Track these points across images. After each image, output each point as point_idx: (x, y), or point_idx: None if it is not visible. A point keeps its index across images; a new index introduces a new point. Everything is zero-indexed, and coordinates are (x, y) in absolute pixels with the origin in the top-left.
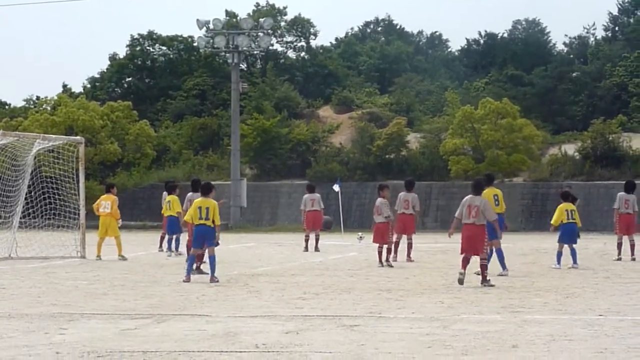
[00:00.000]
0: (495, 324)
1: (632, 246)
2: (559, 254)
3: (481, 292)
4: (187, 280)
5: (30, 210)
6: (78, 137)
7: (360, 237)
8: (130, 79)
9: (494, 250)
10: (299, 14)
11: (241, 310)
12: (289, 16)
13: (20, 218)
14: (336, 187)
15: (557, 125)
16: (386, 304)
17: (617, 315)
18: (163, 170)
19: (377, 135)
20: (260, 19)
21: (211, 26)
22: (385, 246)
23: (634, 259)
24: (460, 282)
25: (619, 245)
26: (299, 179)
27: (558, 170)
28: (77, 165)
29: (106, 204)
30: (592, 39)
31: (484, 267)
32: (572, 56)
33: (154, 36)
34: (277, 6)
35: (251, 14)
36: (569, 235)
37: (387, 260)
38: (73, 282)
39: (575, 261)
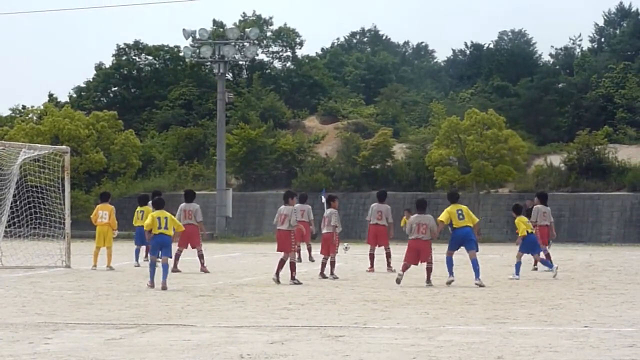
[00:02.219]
0: (480, 335)
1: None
2: (519, 265)
3: (466, 304)
4: (151, 285)
5: (16, 220)
6: (64, 147)
7: (346, 248)
8: (116, 88)
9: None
10: (285, 24)
11: (226, 321)
12: (275, 26)
13: (5, 227)
14: (323, 197)
15: (542, 136)
16: (371, 315)
17: (602, 326)
18: (149, 180)
19: (363, 145)
20: (247, 29)
21: (197, 36)
22: (331, 256)
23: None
24: (398, 282)
25: (548, 255)
26: (284, 189)
27: (543, 181)
28: (62, 174)
29: (103, 213)
30: (578, 50)
31: (429, 270)
32: (558, 67)
33: (140, 46)
34: (263, 16)
35: (237, 24)
36: (532, 245)
37: (332, 273)
38: (58, 292)
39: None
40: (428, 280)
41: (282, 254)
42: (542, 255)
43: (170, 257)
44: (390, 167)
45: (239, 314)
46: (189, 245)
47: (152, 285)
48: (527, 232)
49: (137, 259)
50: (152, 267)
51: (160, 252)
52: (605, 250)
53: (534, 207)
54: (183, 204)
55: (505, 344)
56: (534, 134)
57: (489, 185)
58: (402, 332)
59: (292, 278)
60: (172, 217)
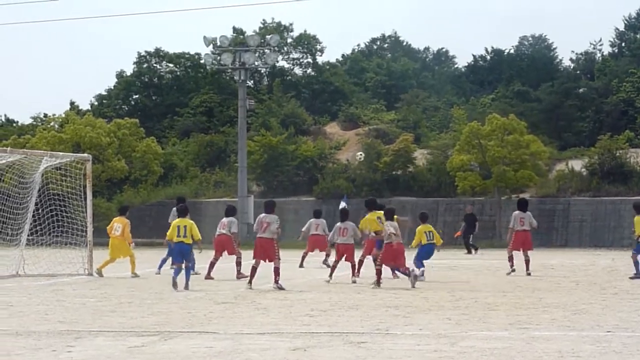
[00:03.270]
0: (502, 340)
1: (527, 262)
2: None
3: (488, 309)
4: (174, 286)
5: (38, 228)
6: (85, 155)
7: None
8: (137, 96)
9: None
10: (305, 31)
11: (248, 327)
12: (295, 33)
13: (28, 235)
14: (343, 204)
15: (563, 141)
16: (393, 321)
17: (625, 331)
18: (170, 188)
19: (384, 151)
20: (267, 36)
21: (218, 43)
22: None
23: (529, 274)
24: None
25: (511, 258)
26: (305, 195)
27: (565, 186)
28: (84, 182)
29: (118, 226)
30: (598, 54)
31: (379, 272)
32: (578, 72)
33: (161, 53)
34: (283, 23)
35: (257, 30)
36: (427, 254)
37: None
38: (80, 300)
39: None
40: (377, 282)
41: (254, 261)
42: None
43: (191, 262)
44: (412, 173)
45: (261, 321)
46: (225, 253)
47: (175, 285)
48: (422, 243)
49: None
50: (177, 272)
51: (182, 259)
52: (628, 255)
53: (514, 213)
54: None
55: (528, 349)
56: (555, 139)
57: (510, 191)
58: (424, 338)
59: (276, 282)
60: (193, 225)
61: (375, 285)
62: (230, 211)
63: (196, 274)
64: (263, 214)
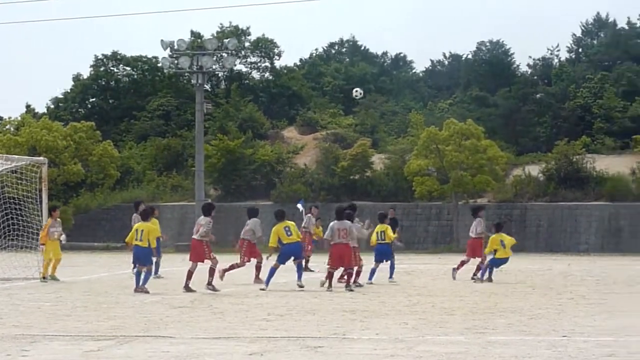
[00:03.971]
0: (459, 345)
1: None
2: (373, 271)
3: (445, 313)
4: (139, 291)
5: None
6: (41, 158)
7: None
8: (94, 99)
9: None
10: (263, 35)
11: (205, 332)
12: (253, 37)
13: None
14: (300, 206)
15: (521, 147)
16: (350, 325)
17: (581, 336)
18: (127, 191)
19: (342, 156)
20: (225, 40)
21: (175, 47)
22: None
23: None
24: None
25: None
26: (263, 199)
27: (522, 191)
28: (40, 186)
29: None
30: (555, 60)
31: (349, 275)
32: (536, 77)
33: (118, 56)
34: (240, 27)
35: (215, 34)
36: (380, 254)
37: (209, 284)
38: (35, 304)
39: (391, 275)
40: (347, 285)
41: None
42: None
43: (148, 265)
44: (369, 178)
45: (217, 325)
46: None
47: (143, 290)
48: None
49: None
50: (138, 275)
51: (140, 263)
52: (584, 260)
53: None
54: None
55: (484, 354)
56: (513, 144)
57: (468, 196)
58: (381, 343)
59: (209, 284)
60: (152, 229)
61: (328, 287)
62: (251, 213)
63: (159, 277)
64: (201, 217)
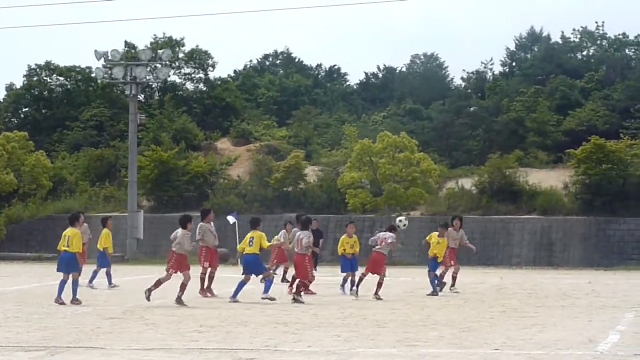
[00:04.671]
0: (391, 357)
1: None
2: (345, 281)
3: (377, 326)
4: (60, 302)
5: None
6: None
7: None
8: (26, 109)
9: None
10: (197, 46)
11: (137, 343)
12: (187, 48)
13: None
14: (231, 218)
15: (454, 160)
16: (282, 337)
17: (512, 349)
18: (59, 202)
19: (275, 168)
20: (159, 51)
21: (109, 57)
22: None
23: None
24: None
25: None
26: (196, 211)
27: (455, 204)
28: None
29: None
30: (489, 74)
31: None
32: (469, 91)
33: (52, 66)
34: (174, 38)
35: (149, 45)
36: (352, 264)
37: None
38: None
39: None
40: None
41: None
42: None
43: (74, 272)
44: (303, 190)
45: (149, 337)
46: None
47: (60, 301)
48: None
49: (109, 282)
50: (62, 284)
51: (65, 269)
52: (516, 273)
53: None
54: None
55: None
56: (446, 157)
57: (401, 208)
58: (314, 355)
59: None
60: (76, 234)
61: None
62: (254, 223)
63: (113, 286)
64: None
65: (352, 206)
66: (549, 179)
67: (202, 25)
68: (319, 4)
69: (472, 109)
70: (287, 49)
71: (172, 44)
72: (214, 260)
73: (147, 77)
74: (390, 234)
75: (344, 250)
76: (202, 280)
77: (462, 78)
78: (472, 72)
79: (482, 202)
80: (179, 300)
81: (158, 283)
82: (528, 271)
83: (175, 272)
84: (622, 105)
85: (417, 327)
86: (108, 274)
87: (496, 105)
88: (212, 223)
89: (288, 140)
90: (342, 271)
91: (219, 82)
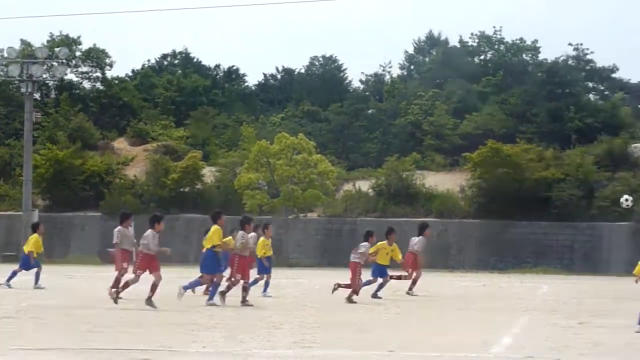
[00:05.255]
0: (286, 359)
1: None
2: (255, 282)
3: (273, 327)
4: None
5: None
6: None
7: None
8: None
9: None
10: (94, 45)
11: (30, 343)
12: (84, 46)
13: None
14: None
15: (352, 162)
16: (177, 338)
17: (407, 351)
18: None
19: (172, 168)
20: (56, 49)
21: (5, 54)
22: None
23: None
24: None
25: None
26: (92, 210)
27: (352, 206)
28: None
29: None
30: (388, 76)
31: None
32: (367, 93)
33: None
34: (71, 36)
35: (46, 43)
36: (268, 266)
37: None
38: None
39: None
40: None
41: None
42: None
43: None
44: (200, 190)
45: (42, 337)
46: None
47: None
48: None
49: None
50: None
51: None
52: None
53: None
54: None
55: None
56: (344, 159)
57: (298, 210)
58: (208, 356)
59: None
60: None
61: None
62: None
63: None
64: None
65: (249, 207)
66: (445, 182)
67: (100, 24)
68: (218, 4)
69: (370, 111)
70: (186, 49)
71: (69, 42)
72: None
73: (44, 75)
74: (365, 243)
75: (264, 253)
76: (118, 280)
77: (360, 80)
78: (371, 75)
79: (379, 204)
80: (149, 302)
81: (126, 285)
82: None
83: (143, 272)
84: (519, 109)
85: (313, 328)
86: (37, 275)
87: (394, 108)
88: (130, 228)
89: (185, 140)
90: (259, 274)
91: (117, 82)
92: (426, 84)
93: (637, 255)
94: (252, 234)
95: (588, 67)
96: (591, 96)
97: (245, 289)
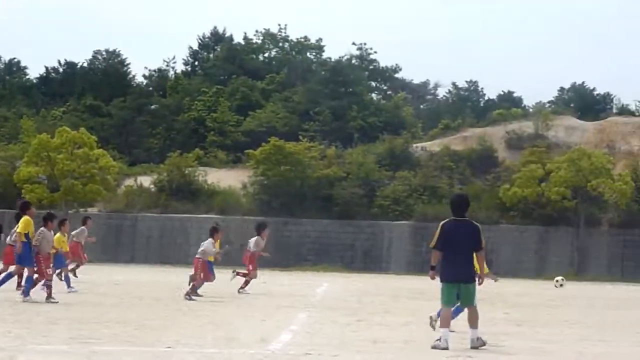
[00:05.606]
0: (62, 355)
1: None
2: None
3: (50, 323)
4: None
5: None
6: None
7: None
8: None
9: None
10: None
11: None
12: None
13: None
14: None
15: (134, 157)
16: None
17: (185, 347)
18: None
19: None
20: None
21: None
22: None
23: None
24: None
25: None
26: None
27: (133, 201)
28: None
29: None
30: (172, 72)
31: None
32: (151, 88)
33: None
34: None
35: None
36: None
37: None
38: None
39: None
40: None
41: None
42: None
43: None
44: None
45: None
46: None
47: None
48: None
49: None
50: None
51: None
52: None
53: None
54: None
55: None
56: (126, 155)
57: (79, 205)
58: None
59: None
60: None
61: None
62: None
63: None
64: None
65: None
66: (228, 178)
67: None
68: None
69: (153, 107)
70: None
71: None
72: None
73: None
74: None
75: (61, 248)
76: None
77: (144, 75)
78: (155, 70)
79: (161, 200)
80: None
81: None
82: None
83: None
84: (302, 107)
85: (91, 324)
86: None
87: (177, 104)
88: (52, 231)
89: None
90: (56, 268)
91: None
92: (210, 81)
93: (417, 255)
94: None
95: (371, 67)
96: (374, 95)
97: (49, 287)
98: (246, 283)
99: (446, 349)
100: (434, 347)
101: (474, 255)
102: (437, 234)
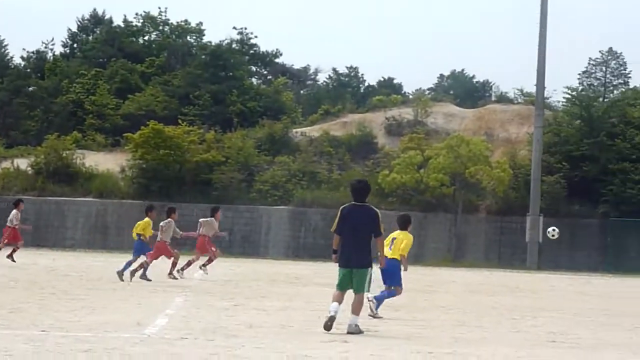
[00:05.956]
0: None
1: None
2: None
3: None
4: None
5: None
6: None
7: None
8: None
9: None
10: None
11: None
12: None
13: None
14: None
15: (11, 139)
16: None
17: (60, 331)
18: None
19: None
20: None
21: None
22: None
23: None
24: None
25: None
26: None
27: (10, 184)
28: None
29: None
30: (50, 54)
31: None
32: (29, 70)
33: None
34: None
35: None
36: None
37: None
38: None
39: None
40: None
41: None
42: None
43: None
44: None
45: None
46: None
47: None
48: None
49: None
50: None
51: None
52: (70, 255)
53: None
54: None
55: None
56: (3, 137)
57: None
58: None
59: None
60: None
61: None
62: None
63: None
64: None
65: None
66: (106, 162)
67: None
68: None
69: (31, 88)
70: None
71: None
72: None
73: None
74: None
75: None
76: None
77: (21, 57)
78: (33, 52)
79: (38, 183)
80: None
81: None
82: (81, 254)
83: None
84: (182, 91)
85: None
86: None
87: (56, 86)
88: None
89: None
90: None
91: None
92: (89, 63)
93: (295, 240)
94: None
95: (252, 52)
96: (254, 80)
97: None
98: (209, 261)
99: (332, 316)
100: (349, 332)
101: (372, 241)
102: (337, 219)
